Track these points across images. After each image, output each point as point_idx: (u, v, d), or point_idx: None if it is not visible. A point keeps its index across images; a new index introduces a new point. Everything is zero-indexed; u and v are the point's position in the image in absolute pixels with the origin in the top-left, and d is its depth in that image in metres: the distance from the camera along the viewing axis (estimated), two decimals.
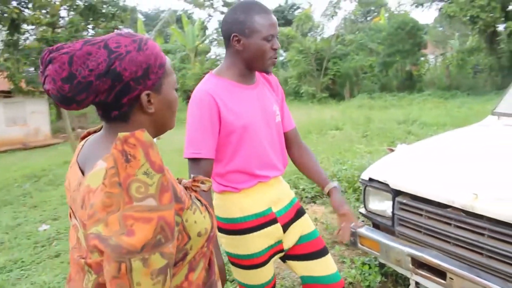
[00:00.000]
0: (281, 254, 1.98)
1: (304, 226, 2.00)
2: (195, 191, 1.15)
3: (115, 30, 12.06)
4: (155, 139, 1.15)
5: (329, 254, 2.05)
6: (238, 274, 1.93)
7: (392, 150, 3.19)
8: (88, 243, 0.89)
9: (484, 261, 2.09)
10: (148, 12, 41.92)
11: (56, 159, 12.21)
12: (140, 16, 29.64)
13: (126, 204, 0.86)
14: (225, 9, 31.02)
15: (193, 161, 1.73)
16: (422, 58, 21.20)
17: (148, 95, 1.01)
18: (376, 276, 3.02)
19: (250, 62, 1.77)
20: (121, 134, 0.89)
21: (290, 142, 2.05)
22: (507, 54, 15.92)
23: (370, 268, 3.12)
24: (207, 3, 31.17)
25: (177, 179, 1.13)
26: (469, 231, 2.15)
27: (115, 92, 0.97)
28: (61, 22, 10.74)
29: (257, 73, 1.90)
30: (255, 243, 1.83)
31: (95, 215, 0.87)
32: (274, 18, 1.76)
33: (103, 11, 10.64)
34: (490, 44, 17.23)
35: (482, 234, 2.09)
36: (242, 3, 1.76)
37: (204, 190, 1.17)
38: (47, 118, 20.33)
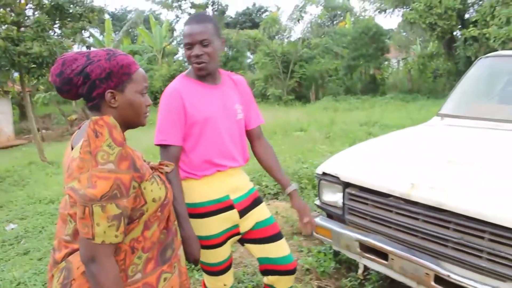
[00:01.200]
0: (238, 237, 2.23)
1: (260, 213, 2.25)
2: (161, 172, 1.53)
3: (83, 31, 12.06)
4: None
5: (283, 238, 2.31)
6: (204, 254, 2.15)
7: None
8: (65, 193, 1.33)
9: (419, 243, 2.38)
10: (115, 12, 41.40)
11: (21, 160, 12.08)
12: (107, 16, 29.31)
13: (93, 167, 1.25)
14: (193, 11, 31.03)
15: (162, 147, 2.03)
16: (386, 63, 21.83)
17: (112, 93, 1.39)
18: (330, 263, 3.30)
19: (192, 68, 2.10)
20: (94, 118, 1.32)
21: (254, 139, 2.34)
22: (464, 59, 16.62)
23: (325, 255, 3.40)
24: (175, 4, 31.14)
25: (145, 160, 1.49)
26: (407, 216, 2.44)
27: (87, 87, 1.37)
28: (28, 21, 10.59)
29: (225, 76, 2.20)
30: (213, 226, 2.09)
31: (72, 174, 1.30)
32: (194, 28, 2.00)
33: (71, 11, 10.56)
34: (448, 49, 17.94)
35: (417, 219, 2.38)
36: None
37: (167, 172, 1.56)
38: (10, 119, 19.89)
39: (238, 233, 2.21)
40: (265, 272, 2.31)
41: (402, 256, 2.40)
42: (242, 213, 2.17)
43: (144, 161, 1.48)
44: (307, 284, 3.15)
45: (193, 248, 1.99)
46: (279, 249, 2.26)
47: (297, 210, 2.31)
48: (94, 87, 1.37)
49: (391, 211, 2.52)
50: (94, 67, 1.36)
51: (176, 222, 1.65)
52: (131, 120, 1.46)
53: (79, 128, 1.57)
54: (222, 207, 2.11)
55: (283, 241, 2.30)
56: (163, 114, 2.03)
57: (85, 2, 10.93)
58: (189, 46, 2.00)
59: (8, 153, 15.52)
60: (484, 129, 3.20)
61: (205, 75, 2.08)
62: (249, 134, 2.31)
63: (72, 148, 1.43)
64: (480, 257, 2.12)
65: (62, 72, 1.37)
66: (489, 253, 2.08)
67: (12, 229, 5.73)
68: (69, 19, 10.70)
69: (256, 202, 2.26)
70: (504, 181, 2.23)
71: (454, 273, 2.19)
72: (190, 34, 1.99)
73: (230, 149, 2.14)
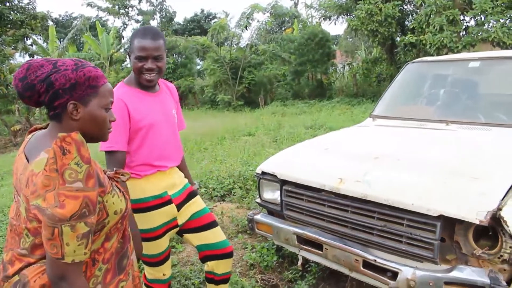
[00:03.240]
0: (177, 229, 2.44)
1: (195, 205, 2.48)
2: (116, 181, 1.56)
3: (25, 38, 11.74)
4: None
5: (218, 226, 2.53)
6: (145, 246, 2.32)
7: None
8: (29, 213, 1.30)
9: (349, 232, 2.59)
10: (60, 18, 40.22)
11: None
12: (50, 23, 28.52)
13: (60, 185, 1.22)
14: (141, 18, 30.73)
15: (109, 153, 2.15)
16: (332, 68, 22.40)
17: (74, 104, 1.37)
18: (272, 257, 3.49)
19: (137, 78, 2.24)
20: (61, 134, 1.26)
21: None
22: (404, 64, 17.35)
23: (268, 251, 3.58)
24: (122, 11, 30.76)
25: (103, 170, 1.53)
26: (337, 209, 2.65)
27: (49, 95, 1.34)
28: None
29: (161, 84, 2.38)
30: (154, 219, 2.30)
31: (36, 191, 1.25)
32: (149, 44, 2.15)
33: (11, 17, 10.28)
34: (390, 55, 18.70)
35: (347, 211, 2.60)
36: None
37: (123, 181, 1.59)
38: None
39: (177, 225, 2.42)
40: (205, 259, 2.51)
41: (334, 245, 2.61)
42: (179, 206, 2.39)
43: (103, 170, 1.50)
44: (251, 278, 3.31)
45: (139, 243, 2.14)
46: (215, 235, 2.48)
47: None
48: (57, 97, 1.35)
49: (323, 205, 2.73)
50: (59, 76, 1.34)
51: (129, 229, 1.66)
52: (92, 134, 1.44)
53: (30, 134, 1.53)
54: (161, 202, 2.31)
55: (218, 228, 2.52)
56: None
57: (26, 8, 10.65)
58: (142, 59, 2.15)
59: None
60: (410, 128, 3.49)
61: (152, 85, 2.25)
62: None
63: (28, 160, 1.38)
64: (400, 241, 2.35)
65: (26, 77, 1.34)
66: (407, 238, 2.32)
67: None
68: (9, 26, 10.39)
69: (190, 195, 2.48)
70: (422, 173, 2.48)
71: (379, 257, 2.42)
72: (145, 48, 2.13)
73: (170, 151, 2.35)
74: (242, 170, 5.83)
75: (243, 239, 3.98)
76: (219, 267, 2.50)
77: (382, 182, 2.50)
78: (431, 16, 13.38)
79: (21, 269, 1.38)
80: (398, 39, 16.87)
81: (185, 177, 2.56)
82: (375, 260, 2.42)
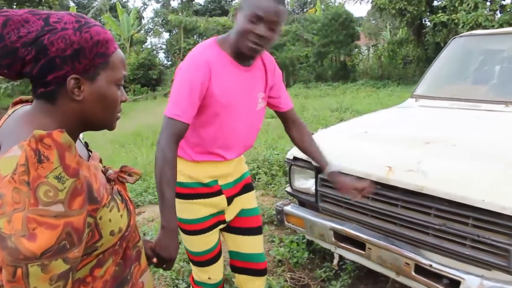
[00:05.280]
0: (224, 225, 2.02)
1: (247, 201, 2.08)
2: (122, 182, 1.12)
3: None
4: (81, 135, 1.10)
5: (261, 235, 2.12)
6: (184, 240, 1.97)
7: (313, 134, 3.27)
8: None
9: (398, 230, 2.23)
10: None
11: None
12: (72, 3, 28.42)
13: (31, 206, 0.80)
14: None
15: (172, 120, 1.68)
16: (356, 50, 21.85)
17: (77, 80, 0.95)
18: (303, 253, 3.13)
19: (236, 42, 1.73)
20: (37, 132, 0.83)
21: (289, 122, 2.10)
22: (433, 45, 16.73)
23: (298, 245, 3.22)
24: None
25: (104, 167, 1.10)
26: (384, 202, 2.28)
27: (40, 66, 0.91)
28: None
29: (258, 57, 1.88)
30: (198, 209, 1.89)
31: (2, 207, 0.81)
32: (275, 7, 1.65)
33: None
34: (417, 36, 18.05)
35: (396, 205, 2.22)
36: None
37: (130, 183, 1.14)
38: None
39: (224, 221, 2.00)
40: (234, 269, 2.13)
41: (380, 245, 2.25)
42: (230, 199, 1.98)
43: (102, 169, 1.09)
44: (280, 276, 2.97)
45: (172, 244, 1.60)
46: (253, 245, 2.08)
47: (343, 185, 1.97)
48: (52, 68, 0.93)
49: (367, 197, 2.34)
50: (56, 38, 0.92)
51: (139, 244, 1.19)
52: (97, 121, 1.04)
53: (13, 106, 1.10)
54: (210, 191, 1.90)
55: (259, 238, 2.12)
56: (184, 85, 1.70)
57: None
58: (258, 21, 1.64)
59: None
60: (459, 110, 3.07)
61: (250, 57, 1.79)
62: (283, 117, 2.09)
63: None
64: (464, 244, 1.97)
65: (2, 37, 0.90)
66: (473, 240, 1.93)
67: None
68: (27, 4, 10.17)
69: (245, 189, 2.07)
70: (489, 163, 2.08)
71: (436, 262, 2.05)
72: (268, 10, 1.64)
73: (237, 142, 1.89)
74: (267, 154, 5.47)
75: (270, 231, 3.63)
76: (247, 285, 2.11)
77: (441, 172, 2.11)
78: None
79: None
80: (427, 19, 16.21)
81: (318, 161, 2.09)
82: (431, 265, 2.05)
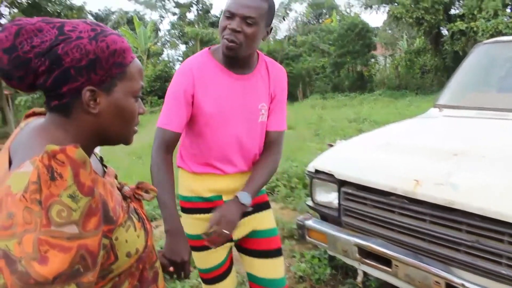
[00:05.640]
0: (231, 243, 1.90)
1: (260, 221, 1.92)
2: (138, 199, 1.06)
3: None
4: (97, 148, 1.04)
5: (280, 257, 1.95)
6: (193, 256, 1.84)
7: (332, 146, 3.18)
8: None
9: (427, 247, 2.12)
10: (99, 13, 40.81)
11: None
12: (90, 17, 28.83)
13: (43, 227, 0.75)
14: (177, 11, 30.74)
15: (160, 130, 1.69)
16: (373, 60, 21.74)
17: (92, 91, 0.89)
18: (325, 269, 3.02)
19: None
20: (50, 147, 0.78)
21: (266, 142, 1.87)
22: (451, 54, 16.55)
23: (320, 261, 3.12)
24: (159, 4, 30.81)
25: (120, 183, 1.05)
26: (411, 217, 2.17)
27: (54, 77, 0.86)
28: (2, 20, 10.25)
29: (262, 65, 1.79)
30: (201, 224, 1.76)
31: (12, 227, 0.76)
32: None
33: (48, 9, 10.24)
34: (435, 45, 17.86)
35: (424, 220, 2.11)
36: None
37: (147, 200, 1.09)
38: None
39: (231, 239, 1.83)
40: None
41: (408, 262, 2.13)
42: None
43: (118, 185, 1.03)
44: None
45: (180, 245, 1.56)
46: (270, 269, 1.92)
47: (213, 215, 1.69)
48: (66, 79, 0.87)
49: (393, 212, 2.25)
50: (71, 48, 0.87)
51: (156, 264, 1.13)
52: (113, 135, 0.99)
53: (25, 121, 1.03)
54: (211, 206, 1.77)
55: (277, 261, 1.94)
56: (170, 95, 1.70)
57: (63, 0, 10.58)
58: (230, 15, 1.59)
59: None
60: (487, 119, 2.95)
61: (232, 58, 1.68)
62: (265, 134, 1.86)
63: (10, 163, 0.89)
64: (499, 262, 1.86)
65: (15, 48, 0.85)
66: (509, 258, 1.82)
67: None
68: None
69: (259, 207, 1.90)
70: None
71: (468, 281, 1.93)
72: (240, 3, 1.58)
73: (235, 154, 1.78)
74: (286, 166, 5.39)
75: (290, 245, 3.53)
76: None
77: (472, 185, 2.00)
78: (484, 0, 12.51)
79: None
80: (444, 28, 16.04)
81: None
82: (463, 284, 1.93)
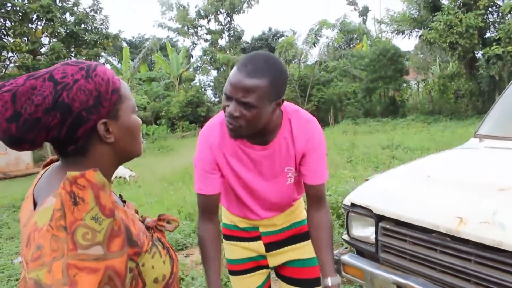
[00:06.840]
0: (269, 270, 1.98)
1: (296, 253, 1.93)
2: (161, 230, 1.09)
3: (97, 57, 12.06)
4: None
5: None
6: (231, 280, 1.99)
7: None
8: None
9: None
10: (133, 40, 42.03)
11: None
12: (125, 44, 29.72)
13: (70, 251, 0.77)
14: (209, 37, 31.33)
15: (198, 195, 1.73)
16: (405, 84, 21.50)
17: (105, 124, 0.94)
18: None
19: None
20: (70, 174, 0.82)
21: (309, 196, 1.79)
22: (487, 79, 16.21)
23: None
24: (191, 31, 31.47)
25: (141, 216, 1.07)
26: (455, 256, 2.07)
27: (67, 126, 0.90)
28: (42, 49, 10.65)
29: (286, 127, 1.68)
30: (236, 250, 1.91)
31: (40, 258, 0.78)
32: (240, 80, 1.43)
33: (85, 38, 10.61)
34: (469, 69, 17.55)
35: (469, 260, 2.01)
36: None
37: (169, 230, 1.11)
38: None
39: (267, 266, 1.93)
40: None
41: None
42: (270, 247, 1.90)
43: (140, 218, 1.07)
44: None
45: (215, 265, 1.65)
46: None
47: None
48: (81, 123, 0.91)
49: (435, 250, 2.15)
50: (75, 93, 0.89)
51: None
52: (128, 153, 1.04)
53: (44, 167, 1.08)
54: (247, 236, 1.89)
55: None
56: (196, 163, 1.70)
57: (100, 29, 10.94)
58: (227, 98, 1.47)
59: (26, 181, 15.34)
60: None
61: (238, 138, 1.62)
62: (305, 188, 1.78)
63: (35, 205, 0.93)
64: None
65: (19, 113, 0.86)
66: None
67: (20, 262, 5.46)
68: (84, 46, 10.70)
69: (293, 239, 1.92)
70: None
71: None
72: (233, 84, 1.43)
73: (269, 211, 1.85)
74: None
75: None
76: None
77: None
78: None
79: None
80: (479, 52, 15.74)
81: (321, 262, 1.67)
82: None
